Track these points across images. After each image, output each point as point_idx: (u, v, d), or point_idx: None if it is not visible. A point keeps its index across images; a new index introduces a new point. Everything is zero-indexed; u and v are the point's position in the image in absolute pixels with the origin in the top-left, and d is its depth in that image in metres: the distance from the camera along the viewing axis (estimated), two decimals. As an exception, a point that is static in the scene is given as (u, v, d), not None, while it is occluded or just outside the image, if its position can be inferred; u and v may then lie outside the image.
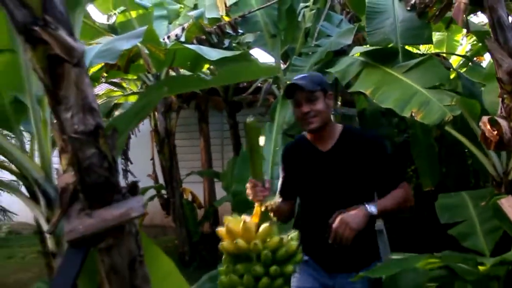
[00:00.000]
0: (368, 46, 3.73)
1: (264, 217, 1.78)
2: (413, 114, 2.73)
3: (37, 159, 1.80)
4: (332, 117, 2.19)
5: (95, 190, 1.44)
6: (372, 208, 1.87)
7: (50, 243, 1.75)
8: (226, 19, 4.65)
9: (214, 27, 4.63)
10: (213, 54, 3.76)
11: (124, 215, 1.51)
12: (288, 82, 2.15)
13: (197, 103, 6.77)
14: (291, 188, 2.15)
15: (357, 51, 3.67)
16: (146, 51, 3.64)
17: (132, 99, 5.28)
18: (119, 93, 6.12)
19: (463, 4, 2.28)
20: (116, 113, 5.16)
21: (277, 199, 1.80)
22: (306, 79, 2.05)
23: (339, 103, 4.58)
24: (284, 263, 1.76)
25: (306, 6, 4.85)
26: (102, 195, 1.46)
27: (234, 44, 4.79)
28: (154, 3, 5.45)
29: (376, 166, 2.00)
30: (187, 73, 4.67)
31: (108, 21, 6.05)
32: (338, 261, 2.01)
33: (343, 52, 4.06)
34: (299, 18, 4.78)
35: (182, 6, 5.60)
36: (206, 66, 4.85)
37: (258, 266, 1.72)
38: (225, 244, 1.80)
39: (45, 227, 1.94)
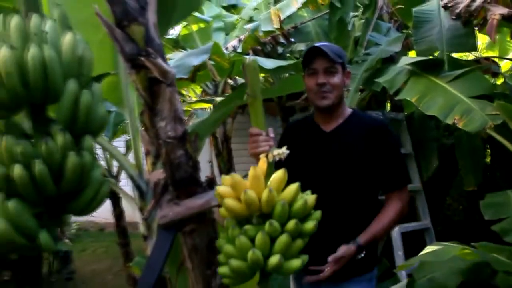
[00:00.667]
0: (414, 54, 3.95)
1: (271, 173, 1.55)
2: (455, 121, 2.94)
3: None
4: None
5: (182, 183, 1.85)
6: (358, 242, 1.79)
7: (142, 228, 2.14)
8: (280, 31, 4.98)
9: (269, 37, 4.99)
10: (269, 63, 4.09)
11: (206, 204, 1.94)
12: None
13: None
14: (290, 166, 1.74)
15: (404, 62, 3.90)
16: (212, 62, 4.04)
17: (196, 106, 5.72)
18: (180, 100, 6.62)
19: (496, 21, 2.48)
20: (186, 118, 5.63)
21: (285, 149, 1.56)
22: (327, 47, 1.88)
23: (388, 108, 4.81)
24: (303, 219, 1.54)
25: (356, 16, 5.11)
26: (187, 188, 1.87)
27: (287, 54, 5.10)
28: (213, 16, 5.89)
29: (379, 156, 1.87)
30: (242, 80, 5.06)
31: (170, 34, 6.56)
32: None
33: (391, 59, 4.30)
34: (349, 27, 5.04)
35: (239, 18, 5.99)
36: (262, 74, 5.20)
37: (274, 221, 1.46)
38: (229, 202, 1.51)
39: (134, 217, 2.35)
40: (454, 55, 4.09)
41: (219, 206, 2.33)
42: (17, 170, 1.19)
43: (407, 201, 1.93)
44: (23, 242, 1.26)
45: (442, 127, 4.79)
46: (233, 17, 6.16)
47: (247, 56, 1.63)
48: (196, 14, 5.37)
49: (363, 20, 4.85)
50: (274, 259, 1.44)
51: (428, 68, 3.63)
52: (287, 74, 5.00)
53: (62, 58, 1.26)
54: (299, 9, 4.94)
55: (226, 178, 1.54)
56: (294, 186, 1.52)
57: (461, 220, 5.29)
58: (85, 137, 1.32)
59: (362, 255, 1.79)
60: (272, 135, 1.65)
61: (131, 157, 2.94)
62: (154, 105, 1.79)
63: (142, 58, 1.70)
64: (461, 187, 4.47)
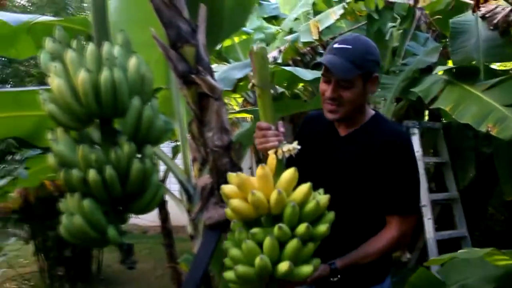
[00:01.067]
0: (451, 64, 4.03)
1: (280, 170, 1.46)
2: (489, 129, 3.01)
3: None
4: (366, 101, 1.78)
5: (227, 188, 2.03)
6: (335, 265, 1.66)
7: (189, 228, 2.35)
8: (319, 42, 5.14)
9: (308, 48, 5.16)
10: (308, 75, 4.26)
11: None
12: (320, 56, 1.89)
13: (291, 117, 7.32)
14: (298, 163, 1.59)
15: (440, 69, 3.98)
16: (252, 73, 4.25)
17: (239, 115, 5.95)
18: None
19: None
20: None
21: (296, 145, 1.47)
22: (346, 53, 1.61)
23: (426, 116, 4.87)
24: (315, 222, 1.44)
25: (394, 26, 5.20)
26: (231, 192, 2.05)
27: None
28: (254, 28, 6.11)
29: (387, 173, 1.65)
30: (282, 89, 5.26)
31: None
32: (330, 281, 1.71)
33: (429, 69, 4.38)
34: (387, 38, 5.14)
35: (279, 30, 6.19)
36: (301, 84, 5.37)
37: (284, 225, 1.36)
38: (235, 203, 1.41)
39: (178, 221, 2.55)
40: (491, 65, 4.13)
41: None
42: (92, 174, 1.41)
43: (408, 230, 1.70)
44: (95, 235, 1.48)
45: (481, 136, 4.79)
46: (274, 29, 6.36)
47: (256, 46, 1.49)
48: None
49: (401, 31, 4.94)
50: (283, 266, 1.36)
51: (463, 77, 3.70)
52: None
53: (128, 79, 1.48)
54: (337, 20, 5.09)
55: (233, 177, 1.44)
56: (305, 187, 1.42)
57: (503, 230, 5.25)
58: (147, 146, 1.54)
59: (336, 279, 1.64)
60: (282, 129, 1.54)
61: (176, 162, 3.18)
62: (202, 117, 2.01)
63: (193, 76, 1.92)
64: (502, 196, 4.47)
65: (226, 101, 7.22)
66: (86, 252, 5.32)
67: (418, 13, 4.84)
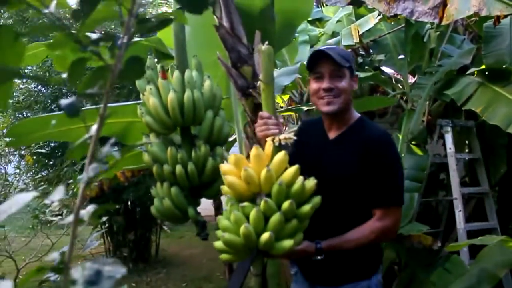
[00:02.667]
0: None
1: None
2: (516, 131, 3.28)
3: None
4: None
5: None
6: (320, 245, 1.72)
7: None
8: (360, 44, 5.47)
9: (349, 50, 5.51)
10: (349, 75, 4.64)
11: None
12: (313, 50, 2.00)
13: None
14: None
15: (472, 70, 4.23)
16: (298, 76, 4.67)
17: (285, 113, 6.35)
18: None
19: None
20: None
21: (292, 135, 1.59)
22: (333, 50, 1.79)
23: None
24: (300, 202, 1.54)
25: (432, 28, 5.45)
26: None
27: (366, 67, 5.56)
28: (299, 31, 6.47)
29: (370, 170, 1.74)
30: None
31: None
32: (321, 273, 1.83)
33: (465, 70, 4.63)
34: (425, 39, 5.40)
35: (322, 32, 6.54)
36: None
37: (270, 200, 1.46)
38: (229, 178, 1.53)
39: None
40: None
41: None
42: (179, 168, 1.90)
43: (393, 222, 1.78)
44: (179, 214, 1.98)
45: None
46: (317, 31, 6.70)
47: (264, 46, 1.64)
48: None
49: (438, 33, 5.19)
50: (264, 236, 1.45)
51: (495, 79, 3.94)
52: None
53: (204, 96, 1.96)
54: (378, 23, 5.39)
55: (231, 157, 1.57)
56: (293, 168, 1.52)
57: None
58: (217, 147, 2.02)
59: (319, 257, 1.72)
60: (280, 120, 1.77)
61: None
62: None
63: (250, 90, 2.37)
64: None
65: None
66: (146, 237, 5.91)
67: (455, 17, 5.07)
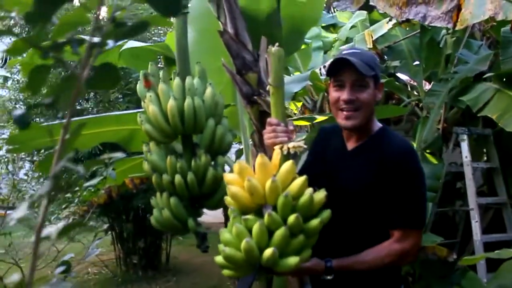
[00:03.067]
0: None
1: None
2: (532, 139, 3.17)
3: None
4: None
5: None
6: (331, 264, 1.57)
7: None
8: (374, 50, 5.37)
9: (374, 53, 5.42)
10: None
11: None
12: (335, 57, 1.75)
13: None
14: (311, 177, 1.59)
15: (489, 75, 4.11)
16: (309, 83, 4.60)
17: (297, 122, 6.29)
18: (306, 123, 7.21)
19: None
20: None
21: (302, 144, 1.49)
22: (358, 56, 1.60)
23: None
24: (308, 217, 1.44)
25: (448, 34, 5.34)
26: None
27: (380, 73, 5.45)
28: (312, 36, 6.42)
29: (389, 188, 1.58)
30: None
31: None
32: None
33: (481, 76, 4.51)
34: (441, 45, 5.29)
35: (336, 38, 6.47)
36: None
37: (274, 213, 1.37)
38: (232, 189, 1.44)
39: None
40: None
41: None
42: (177, 178, 1.85)
43: (412, 245, 1.61)
44: (178, 225, 1.92)
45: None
46: (331, 37, 6.64)
47: (274, 48, 1.55)
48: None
49: (454, 38, 5.07)
50: (268, 251, 1.36)
51: (512, 86, 3.84)
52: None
53: (205, 104, 1.91)
54: (392, 29, 5.30)
55: (235, 165, 1.48)
56: (301, 180, 1.42)
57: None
58: (219, 156, 1.96)
59: (328, 277, 1.58)
60: (291, 127, 1.57)
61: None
62: (263, 130, 2.39)
63: (255, 97, 2.31)
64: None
65: (286, 106, 7.60)
66: (157, 244, 5.88)
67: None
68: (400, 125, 6.59)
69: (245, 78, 2.29)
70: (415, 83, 5.56)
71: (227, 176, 1.51)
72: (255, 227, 1.37)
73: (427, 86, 5.47)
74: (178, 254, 6.63)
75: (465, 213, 4.32)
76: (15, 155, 4.61)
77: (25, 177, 3.72)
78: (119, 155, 0.97)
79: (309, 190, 1.47)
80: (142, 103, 1.98)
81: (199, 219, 2.11)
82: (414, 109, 5.48)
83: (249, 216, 1.43)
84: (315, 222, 1.44)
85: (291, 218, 1.38)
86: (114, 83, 0.81)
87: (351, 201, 1.63)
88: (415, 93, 5.51)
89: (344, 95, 1.59)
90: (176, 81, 1.92)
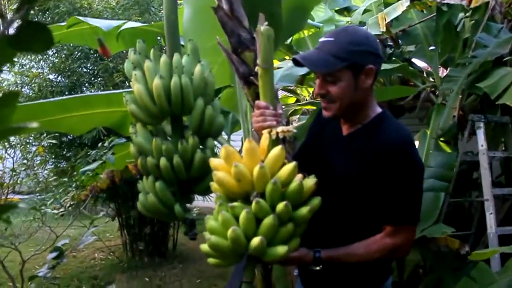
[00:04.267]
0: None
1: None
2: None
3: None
4: (372, 97, 1.56)
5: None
6: (319, 255, 1.52)
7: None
8: (388, 34, 5.18)
9: (377, 40, 5.22)
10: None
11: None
12: None
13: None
14: (304, 160, 1.59)
15: (508, 57, 3.90)
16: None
17: (307, 107, 6.15)
18: (293, 99, 7.07)
19: None
20: (294, 118, 6.10)
21: (292, 127, 1.43)
22: (326, 47, 1.47)
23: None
24: (297, 204, 1.39)
25: (466, 17, 5.10)
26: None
27: (394, 58, 5.26)
28: (324, 20, 6.22)
29: (381, 181, 1.48)
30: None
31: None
32: (318, 281, 1.64)
33: (503, 62, 4.28)
34: (459, 29, 5.06)
35: (349, 22, 6.26)
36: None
37: (262, 201, 1.32)
38: (219, 175, 1.39)
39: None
40: None
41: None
42: (163, 161, 1.73)
43: (403, 241, 1.53)
44: (164, 210, 1.81)
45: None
46: (345, 21, 6.43)
47: (263, 27, 1.47)
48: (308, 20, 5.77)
49: (472, 21, 4.84)
50: (255, 240, 1.31)
51: (534, 71, 3.63)
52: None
53: (193, 83, 1.78)
54: (407, 12, 5.09)
55: (222, 150, 1.43)
56: (290, 165, 1.37)
57: None
58: (208, 139, 1.84)
59: (317, 268, 1.53)
60: (280, 111, 1.52)
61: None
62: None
63: (252, 78, 2.18)
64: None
65: (298, 91, 7.44)
66: (164, 230, 5.83)
67: (492, 2, 4.72)
68: (414, 112, 6.39)
69: (242, 57, 2.16)
70: (430, 69, 5.36)
71: (213, 161, 1.46)
72: (242, 215, 1.33)
73: (442, 73, 5.27)
74: (186, 241, 6.57)
75: (480, 204, 4.14)
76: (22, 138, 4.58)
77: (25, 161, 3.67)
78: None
79: (299, 176, 1.41)
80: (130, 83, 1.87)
81: (191, 204, 2.00)
82: (429, 96, 5.29)
83: (236, 204, 1.38)
84: (304, 210, 1.39)
85: (280, 206, 1.33)
86: (46, 44, 0.70)
87: (341, 190, 1.56)
88: (431, 79, 5.30)
89: (316, 88, 1.54)
90: (163, 58, 1.80)
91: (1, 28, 0.66)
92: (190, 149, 1.76)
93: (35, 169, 4.08)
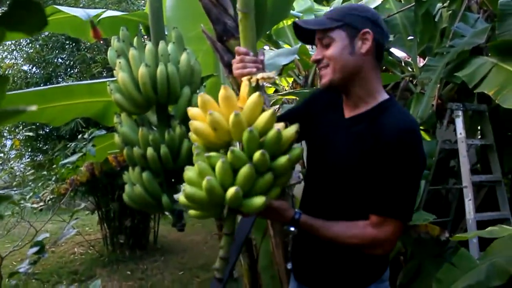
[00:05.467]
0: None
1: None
2: (529, 114, 3.04)
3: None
4: (375, 77, 1.49)
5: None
6: (297, 217, 1.48)
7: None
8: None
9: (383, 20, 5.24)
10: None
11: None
12: None
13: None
14: (301, 138, 1.59)
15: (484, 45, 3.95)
16: (297, 57, 4.43)
17: (288, 97, 6.15)
18: (273, 89, 7.07)
19: None
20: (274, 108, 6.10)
21: (274, 74, 1.38)
22: (327, 13, 1.51)
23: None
24: (277, 154, 1.33)
25: (444, 7, 5.16)
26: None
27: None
28: (304, 10, 6.22)
29: (376, 170, 1.42)
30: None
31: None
32: (311, 274, 1.61)
33: (480, 51, 4.35)
34: (436, 19, 5.11)
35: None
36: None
37: (237, 150, 1.27)
38: (195, 124, 1.35)
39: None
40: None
41: (298, 183, 2.41)
42: (149, 151, 1.70)
43: (387, 236, 1.45)
44: (152, 202, 1.78)
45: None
46: (323, 11, 6.43)
47: None
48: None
49: (450, 12, 4.90)
50: (230, 191, 1.26)
51: (511, 59, 3.68)
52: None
53: (180, 71, 1.75)
54: (386, 2, 5.11)
55: (198, 97, 1.37)
56: (268, 113, 1.31)
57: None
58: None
59: (291, 229, 1.49)
60: (262, 57, 1.47)
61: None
62: (245, 103, 2.24)
63: (236, 66, 2.15)
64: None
65: (277, 82, 7.44)
66: (144, 223, 5.77)
67: (468, -8, 4.79)
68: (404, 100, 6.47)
69: (227, 45, 2.13)
70: (409, 59, 5.41)
71: (191, 110, 1.39)
72: (218, 165, 1.27)
73: (421, 62, 5.33)
74: (167, 233, 6.54)
75: (458, 192, 4.22)
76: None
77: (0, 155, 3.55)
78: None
79: (281, 125, 1.36)
80: (114, 71, 1.82)
81: (177, 195, 1.97)
82: (408, 85, 5.34)
83: (212, 153, 1.32)
84: (283, 159, 1.32)
85: (256, 155, 1.27)
86: (39, 24, 0.66)
87: (336, 173, 1.51)
88: (409, 69, 5.35)
89: (313, 56, 1.50)
90: (148, 46, 1.76)
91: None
92: (178, 138, 1.73)
93: (11, 163, 3.96)
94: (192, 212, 1.40)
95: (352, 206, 1.50)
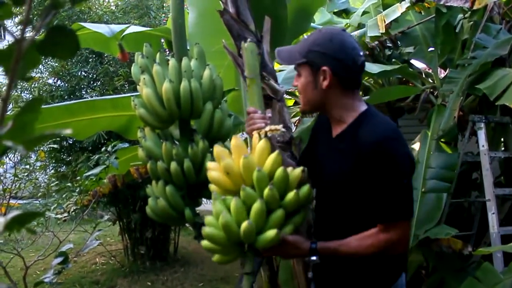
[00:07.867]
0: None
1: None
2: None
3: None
4: (347, 100, 1.56)
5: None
6: (315, 246, 1.54)
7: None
8: (387, 35, 5.19)
9: (376, 42, 5.23)
10: (374, 68, 4.38)
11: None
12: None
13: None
14: (306, 164, 1.66)
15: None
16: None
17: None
18: (292, 101, 7.10)
19: None
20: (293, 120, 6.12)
21: (280, 126, 1.50)
22: (301, 42, 1.62)
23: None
24: (286, 193, 1.43)
25: (465, 18, 5.12)
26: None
27: (393, 59, 5.28)
28: (323, 23, 6.24)
29: (367, 180, 1.49)
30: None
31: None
32: (330, 281, 1.67)
33: (502, 62, 4.30)
34: (457, 30, 5.07)
35: (348, 24, 6.28)
36: (366, 78, 5.46)
37: (248, 188, 1.37)
38: (212, 174, 1.47)
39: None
40: None
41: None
42: (173, 165, 1.73)
43: (399, 236, 1.52)
44: (174, 215, 1.81)
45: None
46: (343, 23, 6.44)
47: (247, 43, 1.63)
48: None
49: (471, 23, 4.86)
50: (243, 224, 1.34)
51: (534, 71, 3.64)
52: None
53: (202, 87, 1.78)
54: (406, 13, 5.10)
55: (214, 150, 1.49)
56: (273, 155, 1.42)
57: None
58: (218, 142, 1.83)
59: (313, 258, 1.55)
60: (269, 115, 1.67)
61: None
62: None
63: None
64: None
65: (297, 93, 7.45)
66: (165, 234, 5.80)
67: (491, 4, 4.74)
68: (414, 113, 6.41)
69: (248, 60, 2.15)
70: (429, 71, 5.37)
71: (209, 164, 1.52)
72: (232, 204, 1.37)
73: (442, 74, 5.28)
74: (187, 244, 6.55)
75: (481, 205, 4.15)
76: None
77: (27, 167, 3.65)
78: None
79: (289, 168, 1.49)
80: (138, 87, 1.86)
81: (199, 208, 2.00)
82: (429, 97, 5.30)
83: (227, 196, 1.43)
84: (291, 194, 1.41)
85: (266, 191, 1.37)
86: (72, 50, 0.70)
87: (332, 191, 1.60)
88: (430, 80, 5.31)
89: (293, 81, 1.64)
90: (172, 62, 1.80)
91: (29, 33, 0.66)
92: (200, 153, 1.76)
93: (36, 174, 4.05)
94: (215, 257, 1.51)
95: (356, 218, 1.57)
